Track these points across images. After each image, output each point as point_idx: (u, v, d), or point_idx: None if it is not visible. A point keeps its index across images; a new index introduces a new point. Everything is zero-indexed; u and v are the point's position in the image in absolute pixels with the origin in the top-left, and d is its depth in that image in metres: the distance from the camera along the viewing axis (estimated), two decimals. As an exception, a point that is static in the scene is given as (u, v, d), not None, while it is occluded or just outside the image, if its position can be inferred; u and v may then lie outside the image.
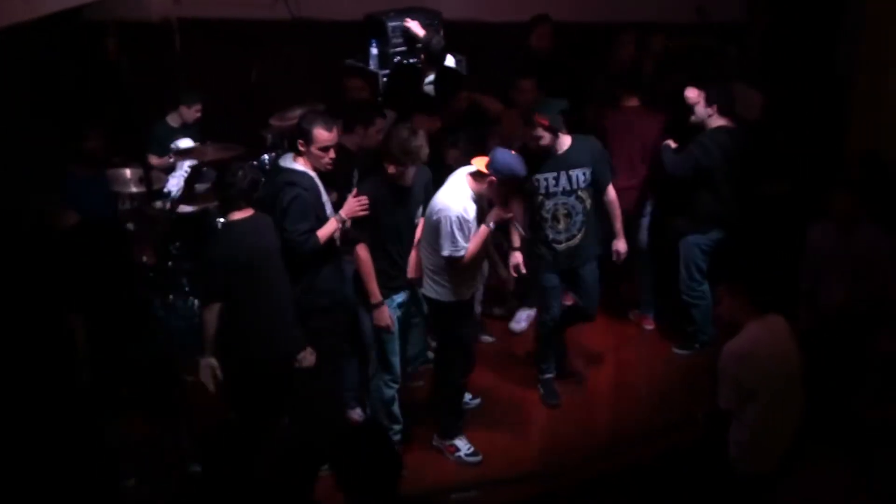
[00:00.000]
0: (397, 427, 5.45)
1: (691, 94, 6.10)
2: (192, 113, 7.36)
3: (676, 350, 6.55)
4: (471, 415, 5.76)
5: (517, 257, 5.48)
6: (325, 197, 5.09)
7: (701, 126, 6.03)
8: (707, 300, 6.29)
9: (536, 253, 5.69)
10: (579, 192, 5.58)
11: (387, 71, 7.16)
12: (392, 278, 5.24)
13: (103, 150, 6.26)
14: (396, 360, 5.35)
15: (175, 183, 7.04)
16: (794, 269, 5.57)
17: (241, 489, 3.57)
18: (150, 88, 7.60)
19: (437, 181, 5.32)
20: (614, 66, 7.13)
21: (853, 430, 5.21)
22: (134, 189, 6.78)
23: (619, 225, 5.84)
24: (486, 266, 5.84)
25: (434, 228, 5.05)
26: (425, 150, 5.03)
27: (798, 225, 5.69)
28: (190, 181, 6.67)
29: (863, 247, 5.32)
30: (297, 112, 6.20)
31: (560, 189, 5.56)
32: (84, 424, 4.88)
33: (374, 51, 7.18)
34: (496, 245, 5.75)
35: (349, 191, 5.31)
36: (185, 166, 7.06)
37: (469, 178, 5.10)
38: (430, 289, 5.22)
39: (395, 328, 5.29)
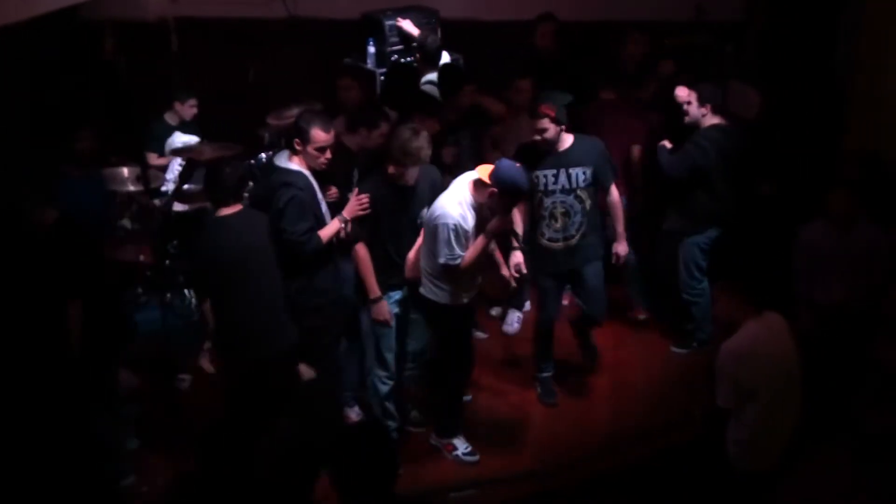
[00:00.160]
0: (392, 424, 5.46)
1: (681, 93, 6.12)
2: (187, 109, 7.34)
3: (674, 349, 6.55)
4: (468, 414, 5.75)
5: (518, 257, 5.43)
6: (320, 196, 5.09)
7: (696, 126, 6.04)
8: (706, 297, 6.30)
9: (534, 252, 5.66)
10: (578, 192, 5.54)
11: (384, 70, 7.15)
12: (390, 276, 5.24)
13: (96, 151, 6.25)
14: (391, 357, 5.36)
15: (171, 180, 7.03)
16: (791, 268, 5.58)
17: (239, 489, 3.57)
18: (148, 87, 7.60)
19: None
20: (624, 65, 7.08)
21: (851, 435, 5.21)
22: (132, 188, 6.78)
23: (620, 227, 5.80)
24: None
25: (432, 234, 5.02)
26: (426, 152, 5.01)
27: (795, 224, 5.68)
28: (182, 179, 6.65)
29: (861, 246, 5.33)
30: (295, 111, 6.21)
31: (559, 187, 5.53)
32: (74, 420, 4.88)
33: (372, 49, 7.17)
34: (497, 243, 5.71)
35: (349, 190, 5.31)
36: (177, 164, 7.04)
37: (471, 186, 5.03)
38: (429, 290, 5.19)
39: (393, 325, 5.30)
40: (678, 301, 6.40)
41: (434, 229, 4.98)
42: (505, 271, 5.46)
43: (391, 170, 5.02)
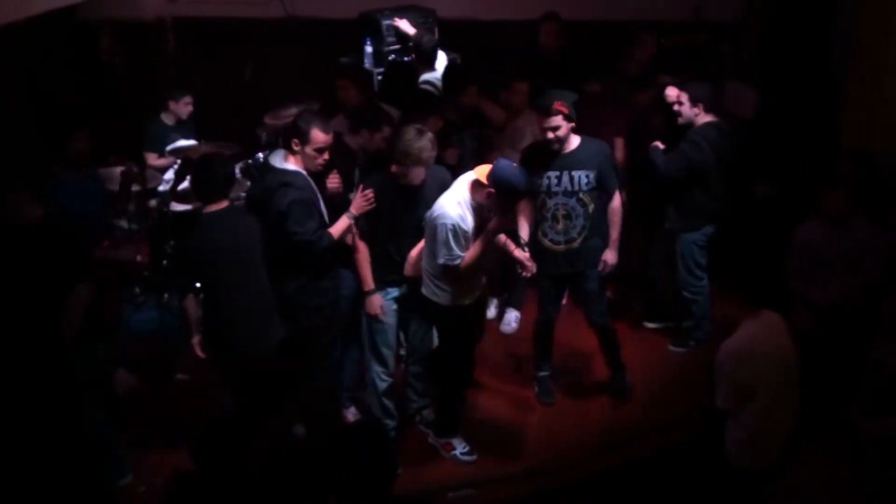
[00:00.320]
0: (391, 422, 5.46)
1: (671, 93, 6.15)
2: (181, 107, 7.33)
3: (672, 348, 6.56)
4: (466, 413, 5.75)
5: (521, 255, 5.31)
6: (318, 195, 5.09)
7: (690, 127, 6.05)
8: (706, 295, 6.32)
9: (536, 252, 5.60)
10: (581, 195, 5.49)
11: (381, 69, 7.15)
12: (388, 273, 5.24)
13: (90, 153, 6.25)
14: (389, 353, 5.37)
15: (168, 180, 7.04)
16: (788, 268, 5.58)
17: (236, 488, 3.57)
18: (145, 87, 7.61)
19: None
20: (633, 66, 7.07)
21: (849, 435, 5.22)
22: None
23: (615, 234, 5.67)
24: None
25: (432, 234, 5.00)
26: (429, 153, 4.97)
27: (792, 223, 5.69)
28: (178, 178, 6.65)
29: (856, 244, 5.33)
30: (292, 110, 6.20)
31: (561, 189, 5.49)
32: (66, 419, 4.89)
33: (369, 49, 7.17)
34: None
35: (350, 190, 5.30)
36: (177, 165, 7.06)
37: (469, 186, 5.01)
38: (430, 291, 5.17)
39: (392, 321, 5.32)
40: (675, 300, 6.42)
41: (433, 229, 4.96)
42: (520, 253, 5.24)
43: (394, 168, 5.00)
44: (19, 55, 6.76)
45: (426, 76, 6.60)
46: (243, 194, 5.97)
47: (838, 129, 6.77)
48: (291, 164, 4.93)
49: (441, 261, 4.95)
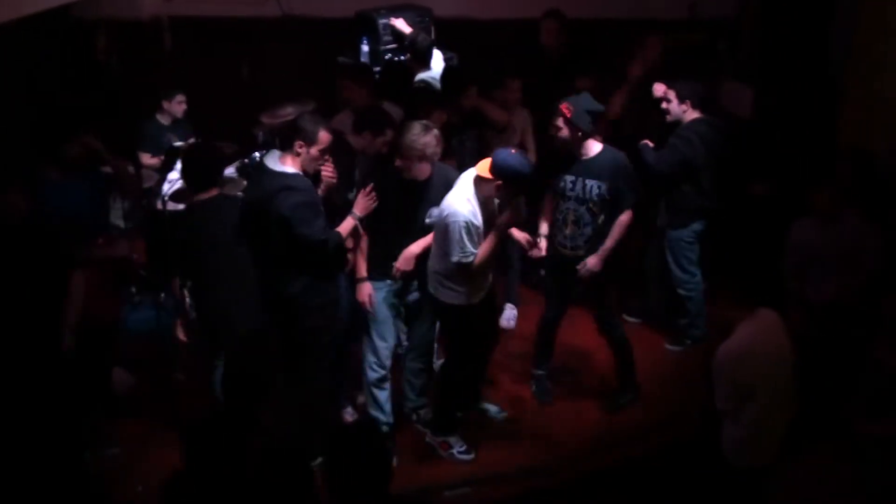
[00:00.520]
0: (381, 416, 5.48)
1: (658, 89, 6.17)
2: (175, 105, 7.31)
3: (669, 346, 6.57)
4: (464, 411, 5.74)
5: (523, 234, 5.29)
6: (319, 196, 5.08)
7: (678, 124, 6.06)
8: (700, 291, 6.33)
9: (548, 249, 5.61)
10: (590, 205, 5.44)
11: (377, 68, 7.13)
12: (383, 265, 5.25)
13: (84, 157, 6.24)
14: (383, 345, 5.38)
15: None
16: (783, 266, 5.58)
17: (234, 487, 3.55)
18: (141, 87, 7.59)
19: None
20: (637, 67, 7.07)
21: (848, 435, 5.22)
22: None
23: (609, 244, 5.51)
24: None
25: (443, 233, 5.00)
26: (433, 149, 4.98)
27: (790, 222, 5.69)
28: (163, 169, 6.61)
29: (850, 243, 5.33)
30: (289, 110, 6.17)
31: (574, 195, 5.47)
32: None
33: (365, 48, 7.14)
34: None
35: (351, 190, 5.29)
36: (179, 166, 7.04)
37: (475, 182, 5.01)
38: (441, 293, 5.17)
39: (388, 314, 5.34)
40: (669, 298, 6.41)
41: (445, 228, 4.96)
42: (518, 234, 5.24)
43: (398, 162, 5.03)
44: (14, 55, 6.74)
45: (422, 75, 6.58)
46: (240, 194, 5.95)
47: (836, 127, 6.77)
48: (289, 166, 4.87)
49: (455, 259, 4.95)
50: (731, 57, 7.90)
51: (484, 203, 5.00)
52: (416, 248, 5.24)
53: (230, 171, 6.03)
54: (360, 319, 5.43)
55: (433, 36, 6.94)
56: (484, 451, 5.56)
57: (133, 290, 6.75)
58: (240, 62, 7.97)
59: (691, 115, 6.04)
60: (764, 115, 7.13)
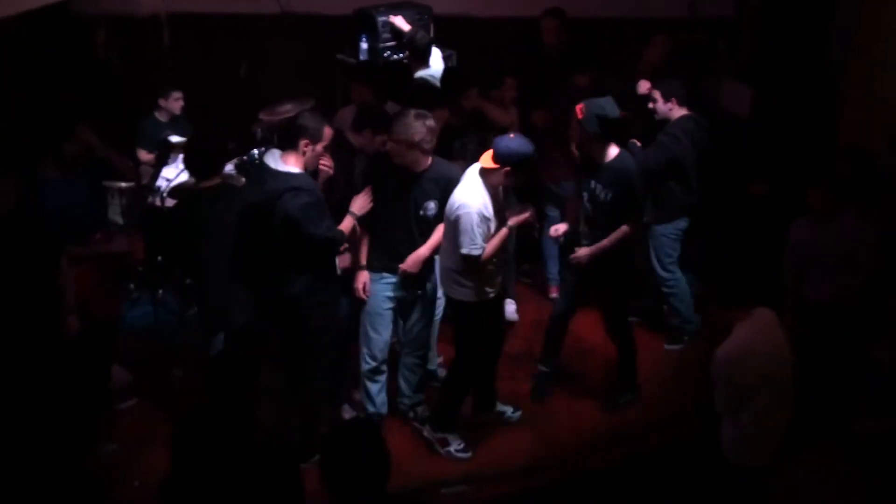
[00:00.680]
0: (370, 407, 5.50)
1: (642, 87, 6.25)
2: (172, 103, 7.31)
3: (667, 346, 6.57)
4: (463, 409, 5.73)
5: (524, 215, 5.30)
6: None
7: (666, 122, 6.10)
8: (682, 288, 6.36)
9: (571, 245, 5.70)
10: (601, 208, 5.45)
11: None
12: (379, 258, 5.28)
13: (81, 155, 6.24)
14: (378, 338, 5.40)
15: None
16: (781, 266, 5.58)
17: (231, 487, 3.54)
18: (140, 83, 7.57)
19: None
20: (644, 66, 7.03)
21: (847, 435, 5.21)
22: (123, 185, 6.75)
23: (604, 244, 5.46)
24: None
25: (453, 226, 5.00)
26: (422, 136, 4.95)
27: (788, 222, 5.68)
28: (158, 164, 6.62)
29: (847, 242, 5.32)
30: (288, 107, 6.17)
31: (589, 196, 5.52)
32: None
33: (364, 46, 7.14)
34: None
35: (350, 188, 5.28)
36: (179, 161, 7.03)
37: (482, 175, 5.01)
38: (454, 290, 5.18)
39: (382, 307, 5.35)
40: (659, 298, 6.45)
41: (456, 221, 4.97)
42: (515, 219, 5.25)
43: (388, 145, 5.05)
44: (13, 50, 6.72)
45: (420, 73, 6.57)
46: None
47: (836, 127, 6.78)
48: (292, 166, 4.82)
49: (465, 250, 4.96)
50: (731, 57, 7.89)
51: (494, 197, 5.04)
52: (424, 250, 5.25)
53: (229, 168, 6.03)
54: (360, 319, 5.44)
55: (432, 34, 6.94)
56: (482, 449, 5.55)
57: (131, 286, 6.73)
58: (239, 59, 7.93)
59: (678, 112, 6.07)
60: (763, 115, 7.12)
